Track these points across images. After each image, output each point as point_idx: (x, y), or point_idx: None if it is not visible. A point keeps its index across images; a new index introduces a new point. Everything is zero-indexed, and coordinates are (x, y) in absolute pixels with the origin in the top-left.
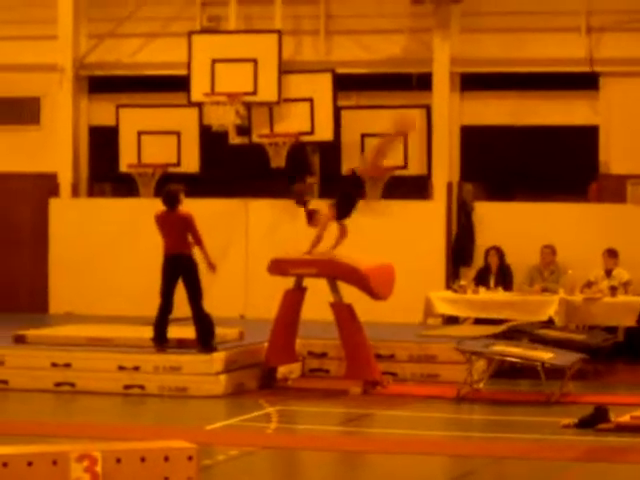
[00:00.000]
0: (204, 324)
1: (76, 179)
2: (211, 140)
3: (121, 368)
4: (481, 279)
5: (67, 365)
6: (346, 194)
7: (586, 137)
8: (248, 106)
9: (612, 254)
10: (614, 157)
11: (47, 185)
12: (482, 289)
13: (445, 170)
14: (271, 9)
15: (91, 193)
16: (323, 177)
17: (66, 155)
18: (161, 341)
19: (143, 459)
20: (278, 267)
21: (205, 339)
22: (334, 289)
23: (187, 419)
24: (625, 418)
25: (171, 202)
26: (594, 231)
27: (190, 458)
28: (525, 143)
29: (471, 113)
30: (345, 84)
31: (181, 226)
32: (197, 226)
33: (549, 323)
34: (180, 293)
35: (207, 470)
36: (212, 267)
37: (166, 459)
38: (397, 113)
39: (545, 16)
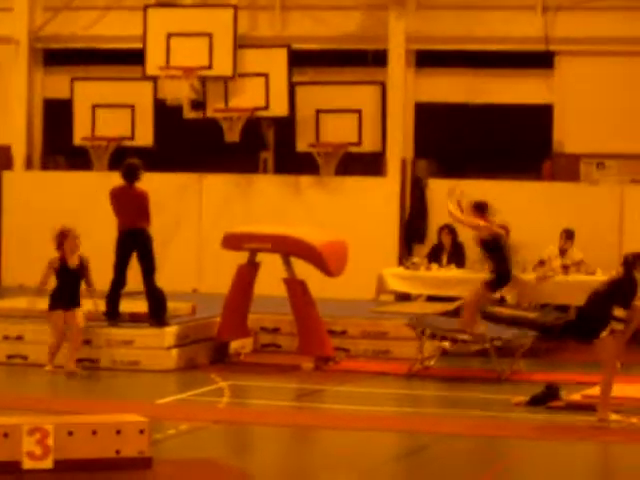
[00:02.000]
0: (156, 298)
1: (30, 152)
2: (165, 114)
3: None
4: (434, 256)
5: (19, 338)
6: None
7: (540, 116)
8: (203, 80)
9: (569, 235)
10: (568, 136)
11: (0, 157)
12: (435, 266)
13: (399, 147)
14: None
15: (45, 166)
16: (277, 152)
17: (20, 127)
18: (114, 315)
19: (95, 432)
20: (232, 242)
21: (157, 313)
22: (287, 265)
23: (139, 393)
24: (576, 396)
25: (131, 176)
26: (547, 210)
27: (142, 431)
28: (479, 121)
29: (426, 90)
30: (300, 60)
31: (137, 202)
32: (149, 206)
33: (501, 301)
34: (133, 267)
35: (158, 444)
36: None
37: (118, 432)
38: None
39: None
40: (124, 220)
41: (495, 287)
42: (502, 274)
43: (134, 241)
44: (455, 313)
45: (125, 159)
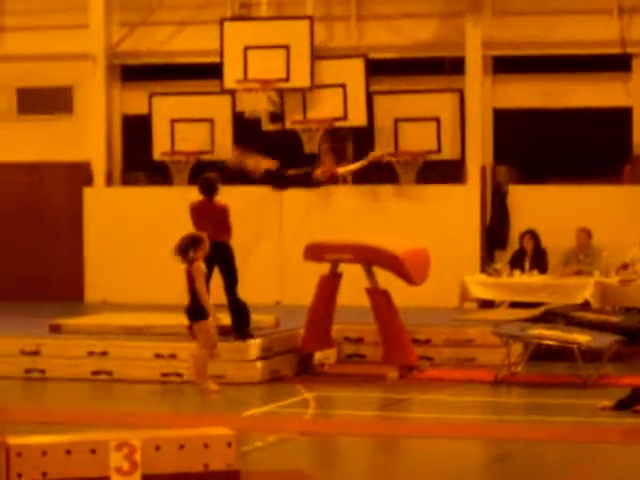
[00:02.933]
0: (240, 311)
1: (110, 168)
2: (244, 127)
3: (158, 356)
4: (516, 262)
5: (104, 353)
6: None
7: (619, 119)
8: (281, 92)
9: None
10: None
11: (81, 174)
12: (517, 272)
13: (479, 154)
14: None
15: (125, 182)
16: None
17: (99, 144)
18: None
19: (182, 446)
20: (313, 253)
21: (241, 326)
22: (370, 274)
23: (225, 406)
24: None
25: (209, 190)
26: (629, 213)
27: (229, 444)
28: (558, 126)
29: (503, 96)
30: (377, 69)
31: (218, 215)
32: (230, 219)
33: (585, 306)
34: (216, 280)
35: (245, 456)
36: None
37: (205, 446)
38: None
39: None
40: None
41: None
42: None
43: (216, 254)
44: (539, 319)
45: (204, 173)
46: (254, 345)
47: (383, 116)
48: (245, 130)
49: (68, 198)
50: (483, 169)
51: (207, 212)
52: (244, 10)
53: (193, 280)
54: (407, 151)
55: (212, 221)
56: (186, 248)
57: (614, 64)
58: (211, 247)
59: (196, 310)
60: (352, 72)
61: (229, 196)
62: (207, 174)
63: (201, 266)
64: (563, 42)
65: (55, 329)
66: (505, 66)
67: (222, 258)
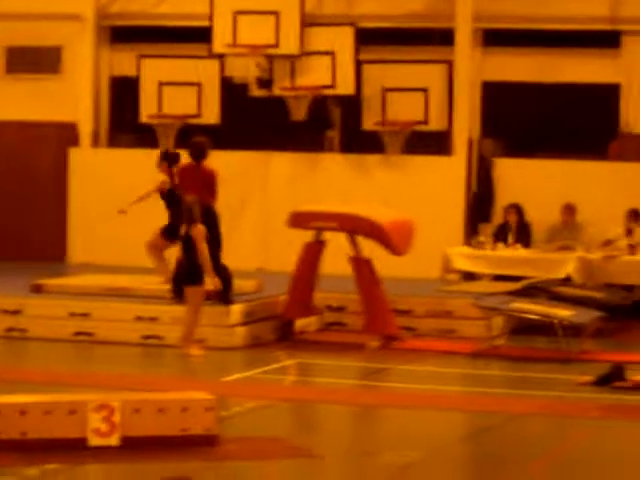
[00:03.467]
0: (222, 276)
1: (96, 129)
2: (232, 92)
3: (139, 318)
4: (500, 236)
5: (85, 315)
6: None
7: (608, 95)
8: (270, 59)
9: (636, 215)
10: (635, 116)
11: (67, 134)
12: (501, 246)
13: (466, 126)
14: None
15: (111, 143)
16: (344, 131)
17: (87, 105)
18: (179, 292)
19: (161, 410)
20: (298, 220)
21: (223, 291)
22: (353, 243)
23: (204, 371)
24: None
25: (199, 155)
26: (614, 190)
27: (208, 409)
28: (546, 100)
29: (492, 69)
30: (367, 38)
31: (206, 180)
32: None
33: (567, 281)
34: None
35: (224, 421)
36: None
37: (184, 410)
38: None
39: None
40: None
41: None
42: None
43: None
44: (522, 292)
45: (191, 137)
46: (236, 310)
47: (371, 85)
48: (233, 95)
49: (54, 158)
50: (470, 141)
51: (195, 176)
52: None
53: (192, 243)
54: (394, 121)
55: (200, 185)
56: (190, 215)
57: (604, 40)
58: None
59: (192, 274)
60: (341, 40)
61: (215, 160)
62: (197, 138)
63: (202, 228)
64: (553, 17)
65: (37, 289)
66: (495, 39)
67: (207, 222)
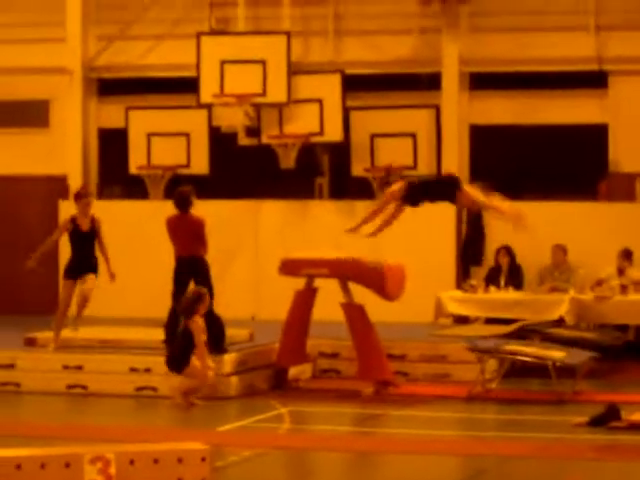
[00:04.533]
0: (215, 326)
1: (86, 181)
2: (220, 141)
3: (133, 370)
4: (492, 279)
5: (79, 367)
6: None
7: (595, 136)
8: (257, 107)
9: (627, 255)
10: (624, 155)
11: (57, 188)
12: (493, 288)
13: (454, 169)
14: (279, 10)
15: (101, 195)
16: (333, 178)
17: (76, 157)
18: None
19: (156, 461)
20: (289, 267)
21: (216, 341)
22: (345, 289)
23: (199, 421)
24: (637, 416)
25: (183, 205)
26: (605, 230)
27: (203, 459)
28: (534, 142)
29: (480, 112)
30: (354, 84)
31: (194, 229)
32: (206, 233)
33: (560, 322)
34: None
35: (220, 471)
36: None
37: (179, 460)
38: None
39: (553, 15)
40: (181, 248)
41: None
42: None
43: (191, 269)
44: (515, 335)
45: (178, 187)
46: (229, 360)
47: (359, 131)
48: (221, 144)
49: (44, 211)
50: None
51: (183, 226)
52: (221, 25)
53: (188, 333)
54: (383, 167)
55: (188, 235)
56: (191, 306)
57: (590, 81)
58: (187, 262)
59: (181, 363)
60: (329, 87)
61: (205, 209)
62: (181, 188)
63: (199, 321)
64: (540, 59)
65: (30, 342)
66: (481, 82)
67: (198, 273)
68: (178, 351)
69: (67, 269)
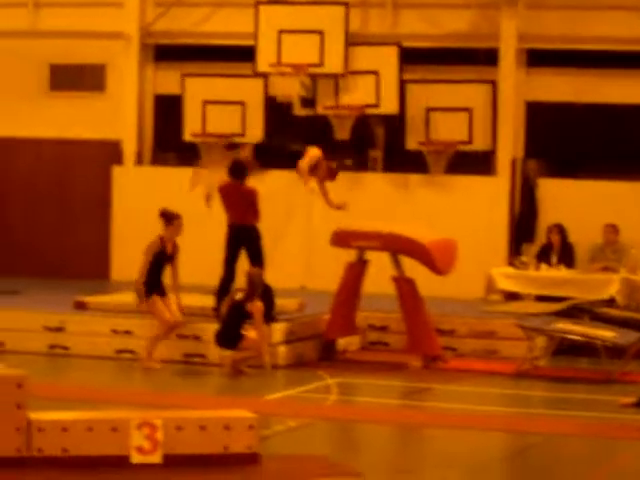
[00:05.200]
0: (265, 295)
1: (140, 147)
2: (276, 111)
3: (182, 336)
4: (543, 256)
5: (127, 332)
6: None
7: None
8: (313, 78)
9: None
10: None
11: (111, 153)
12: (544, 266)
13: (510, 146)
14: None
15: (155, 161)
16: (387, 150)
17: (131, 123)
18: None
19: (203, 427)
20: (341, 239)
21: (266, 310)
22: (396, 263)
23: (247, 389)
24: None
25: (239, 174)
26: None
27: (250, 427)
28: (590, 121)
29: (536, 89)
30: (411, 57)
31: (247, 199)
32: (259, 203)
33: (611, 302)
34: (242, 263)
35: (266, 440)
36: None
37: (226, 428)
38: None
39: None
40: (233, 216)
41: None
42: None
43: (243, 237)
44: (564, 313)
45: (235, 156)
46: (278, 329)
47: (415, 105)
48: (277, 114)
49: (98, 176)
50: (513, 161)
51: (236, 195)
52: None
53: (244, 312)
54: (438, 141)
55: (241, 204)
56: (252, 289)
57: None
58: (239, 230)
59: (231, 339)
60: (386, 60)
61: (260, 179)
62: (238, 157)
63: (260, 305)
64: (597, 37)
65: (80, 306)
66: (539, 59)
67: (250, 241)
68: (231, 329)
69: (150, 286)
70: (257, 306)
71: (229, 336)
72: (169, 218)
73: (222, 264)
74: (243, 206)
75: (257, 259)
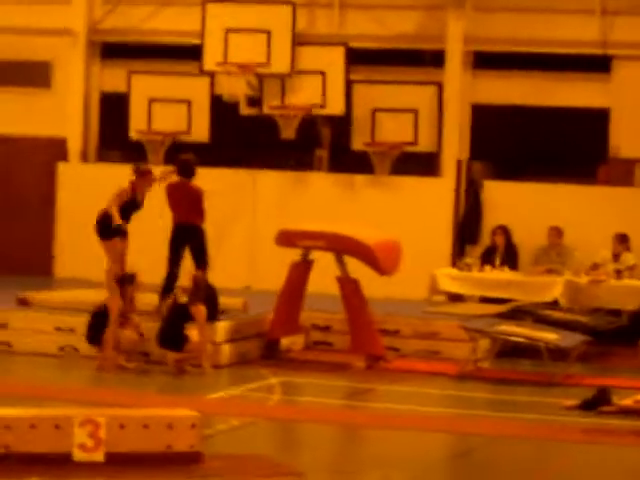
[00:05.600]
0: (208, 294)
1: (85, 144)
2: (221, 110)
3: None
4: (487, 258)
5: (71, 330)
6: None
7: (597, 120)
8: (260, 77)
9: (623, 239)
10: (624, 141)
11: (56, 150)
12: (488, 268)
13: (455, 148)
14: None
15: (100, 159)
16: (333, 151)
17: (76, 120)
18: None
19: (146, 426)
20: (286, 239)
21: (209, 309)
22: (341, 263)
23: (190, 388)
24: (627, 401)
25: (187, 173)
26: (602, 214)
27: (193, 426)
28: (536, 124)
29: (482, 92)
30: (358, 58)
31: (193, 198)
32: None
33: (554, 304)
34: (187, 263)
35: (209, 439)
36: None
37: (169, 426)
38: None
39: None
40: (179, 215)
41: None
42: None
43: (188, 236)
44: (508, 315)
45: (180, 154)
46: (222, 328)
47: (361, 105)
48: (222, 113)
49: (42, 173)
50: (459, 163)
51: (183, 194)
52: None
53: (187, 314)
54: (384, 141)
55: (187, 203)
56: (195, 294)
57: (594, 65)
58: (183, 230)
59: (175, 341)
60: (332, 60)
61: (204, 178)
62: (185, 155)
63: (203, 309)
64: (544, 40)
65: (23, 302)
66: (485, 62)
67: (194, 241)
68: (174, 330)
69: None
70: (200, 310)
71: (172, 337)
72: (142, 173)
73: (167, 263)
74: (189, 205)
75: (201, 258)
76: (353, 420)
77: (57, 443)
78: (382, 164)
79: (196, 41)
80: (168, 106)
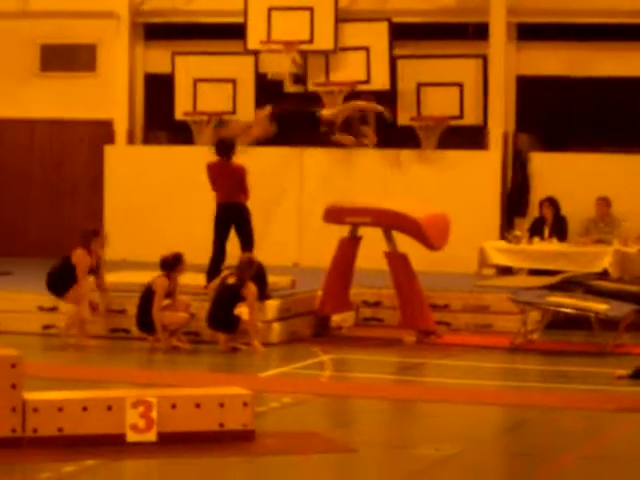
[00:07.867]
0: (257, 273)
1: (131, 126)
2: (266, 88)
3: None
4: (536, 230)
5: (121, 312)
6: None
7: None
8: (304, 54)
9: None
10: None
11: (103, 132)
12: (537, 240)
13: (501, 120)
14: None
15: (146, 140)
16: (379, 126)
17: (122, 102)
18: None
19: (198, 405)
20: (333, 215)
21: (258, 288)
22: (389, 238)
23: (241, 367)
24: None
25: (226, 152)
26: None
27: (245, 404)
28: (581, 94)
29: (527, 63)
30: (401, 33)
31: (235, 176)
32: (248, 180)
33: (603, 274)
34: (233, 242)
35: (261, 417)
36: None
37: (221, 405)
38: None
39: None
40: (222, 194)
41: None
42: None
43: (232, 215)
44: (557, 286)
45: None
46: (271, 306)
47: (406, 80)
48: (267, 91)
49: (90, 156)
50: (505, 135)
51: (224, 173)
52: None
53: (238, 295)
54: (429, 116)
55: (229, 182)
56: (244, 273)
57: (638, 34)
58: (228, 208)
59: (229, 323)
60: (376, 35)
61: (251, 157)
62: (223, 135)
63: (253, 288)
64: (588, 10)
65: None
66: (529, 33)
67: (239, 219)
68: (223, 311)
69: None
70: (251, 290)
71: (224, 319)
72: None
73: (212, 243)
74: (231, 184)
75: (247, 238)
76: (405, 395)
77: (110, 424)
78: (428, 139)
79: (239, 20)
80: (213, 86)
